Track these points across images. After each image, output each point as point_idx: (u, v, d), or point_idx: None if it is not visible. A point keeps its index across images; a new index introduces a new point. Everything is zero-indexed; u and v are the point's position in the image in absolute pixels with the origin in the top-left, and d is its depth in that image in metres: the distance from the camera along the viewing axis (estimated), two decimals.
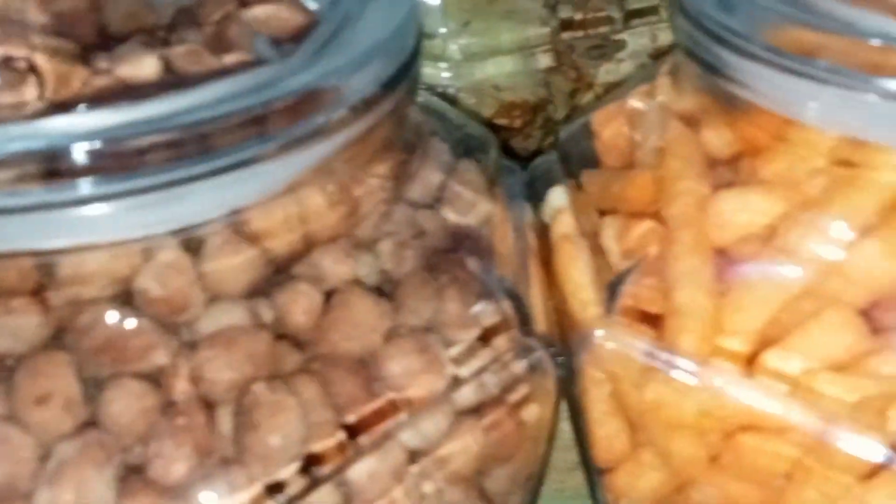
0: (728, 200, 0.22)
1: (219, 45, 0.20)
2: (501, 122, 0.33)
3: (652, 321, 0.22)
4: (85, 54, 0.21)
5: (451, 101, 0.32)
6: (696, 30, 0.22)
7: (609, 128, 0.27)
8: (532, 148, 0.35)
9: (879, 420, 0.19)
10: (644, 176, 0.25)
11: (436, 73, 0.32)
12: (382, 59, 0.21)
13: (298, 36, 0.21)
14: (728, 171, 0.23)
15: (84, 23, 0.22)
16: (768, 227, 0.21)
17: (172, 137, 0.18)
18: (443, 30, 0.33)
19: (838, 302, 0.20)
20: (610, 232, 0.25)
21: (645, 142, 0.26)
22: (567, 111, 0.34)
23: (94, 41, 0.21)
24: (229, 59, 0.20)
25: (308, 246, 0.21)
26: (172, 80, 0.20)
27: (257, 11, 0.21)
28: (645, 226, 0.23)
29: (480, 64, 0.32)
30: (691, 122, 0.24)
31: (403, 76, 0.22)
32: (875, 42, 0.19)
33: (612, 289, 0.23)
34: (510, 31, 0.33)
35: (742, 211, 0.22)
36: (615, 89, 0.31)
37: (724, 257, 0.22)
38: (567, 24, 0.34)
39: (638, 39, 0.34)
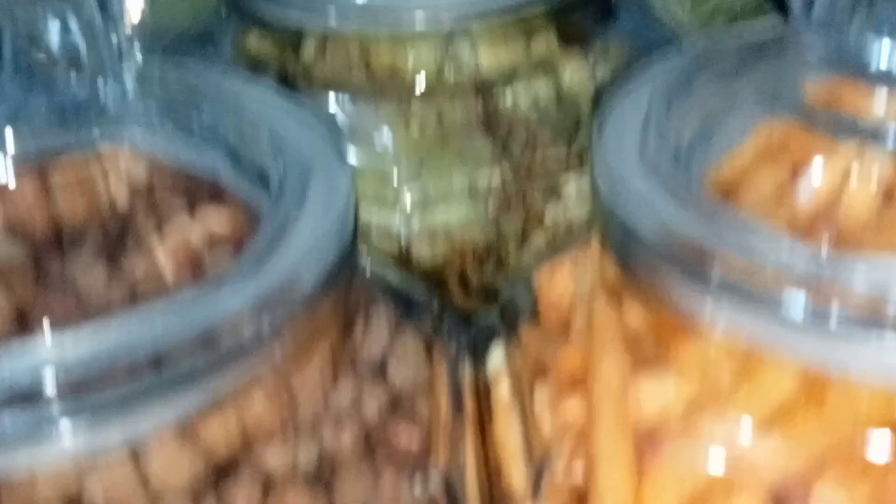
0: (645, 384, 0.23)
1: (166, 259, 0.22)
2: (454, 264, 0.35)
3: (579, 499, 0.24)
4: (37, 260, 0.22)
5: (405, 247, 0.34)
6: (608, 218, 0.24)
7: (549, 285, 0.28)
8: (486, 280, 0.36)
9: None
10: (573, 348, 0.26)
11: (389, 219, 0.34)
12: (320, 263, 0.22)
13: (241, 241, 0.23)
14: (650, 348, 0.25)
15: (35, 219, 0.23)
16: (684, 412, 0.23)
17: (129, 360, 0.19)
18: (395, 174, 0.34)
19: (747, 489, 0.22)
20: (543, 398, 0.26)
21: (579, 306, 0.27)
22: (518, 247, 0.35)
23: (46, 239, 0.23)
24: (175, 275, 0.21)
25: (249, 441, 0.22)
26: (125, 298, 0.21)
27: (201, 218, 0.22)
28: (572, 403, 0.25)
29: (433, 210, 0.34)
30: (616, 293, 0.26)
31: (341, 276, 0.23)
32: (768, 263, 0.20)
33: (538, 467, 0.24)
34: (462, 175, 0.34)
35: (658, 395, 0.23)
36: (560, 243, 0.32)
37: (644, 439, 0.23)
38: (517, 165, 0.35)
39: (587, 177, 0.36)
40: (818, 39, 0.22)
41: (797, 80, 0.23)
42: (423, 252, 0.34)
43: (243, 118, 0.25)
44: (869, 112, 0.22)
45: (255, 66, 0.37)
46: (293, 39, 0.35)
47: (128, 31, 0.22)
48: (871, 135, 0.22)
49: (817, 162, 0.22)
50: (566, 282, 0.28)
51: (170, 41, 0.40)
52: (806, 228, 0.22)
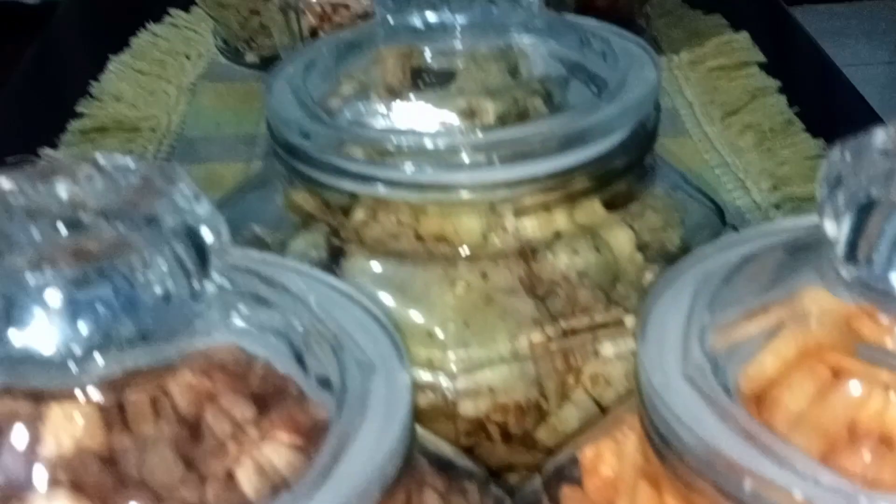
0: None
1: (238, 468, 0.23)
2: (496, 418, 0.36)
3: None
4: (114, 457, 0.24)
5: (450, 404, 0.36)
6: (649, 421, 0.26)
7: (593, 464, 0.30)
8: (527, 430, 0.38)
9: None
10: None
11: (435, 379, 0.35)
12: (385, 472, 0.24)
13: (308, 443, 0.24)
14: None
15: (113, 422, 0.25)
16: None
17: None
18: (441, 336, 0.36)
19: None
20: None
21: (623, 487, 0.29)
22: (558, 402, 0.37)
23: (123, 437, 0.25)
24: (247, 481, 0.23)
25: None
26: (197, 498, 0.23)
27: (270, 432, 0.24)
28: None
29: (478, 371, 0.36)
30: (656, 479, 0.27)
31: (403, 475, 0.25)
32: (798, 493, 0.22)
33: None
34: (506, 336, 0.36)
35: None
36: (603, 418, 0.34)
37: None
38: (558, 324, 0.37)
39: (625, 337, 0.37)
40: (848, 267, 0.24)
41: (827, 300, 0.25)
42: (468, 408, 0.36)
43: (308, 317, 0.27)
44: (893, 342, 0.23)
45: (306, 220, 0.39)
46: (343, 202, 0.37)
47: (213, 255, 0.23)
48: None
49: (851, 382, 0.24)
50: (611, 460, 0.29)
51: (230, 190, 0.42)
52: (838, 443, 0.24)
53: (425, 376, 0.35)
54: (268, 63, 0.74)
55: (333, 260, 0.37)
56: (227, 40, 0.78)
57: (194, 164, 0.67)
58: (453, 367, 0.35)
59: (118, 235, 0.23)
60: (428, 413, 0.36)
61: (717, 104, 0.70)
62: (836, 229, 0.24)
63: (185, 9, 0.84)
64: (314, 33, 0.60)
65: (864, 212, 0.23)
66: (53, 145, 0.67)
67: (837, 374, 0.25)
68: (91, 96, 0.73)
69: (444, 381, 0.35)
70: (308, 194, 0.38)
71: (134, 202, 0.24)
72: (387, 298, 0.36)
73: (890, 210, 0.23)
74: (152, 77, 0.76)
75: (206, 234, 0.23)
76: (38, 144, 0.66)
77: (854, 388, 0.24)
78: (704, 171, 0.64)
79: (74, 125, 0.69)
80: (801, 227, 0.29)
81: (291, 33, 0.63)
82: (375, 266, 0.36)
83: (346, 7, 0.59)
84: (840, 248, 0.24)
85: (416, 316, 0.36)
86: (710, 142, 0.67)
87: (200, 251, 0.23)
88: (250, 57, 0.77)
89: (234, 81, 0.76)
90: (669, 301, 0.28)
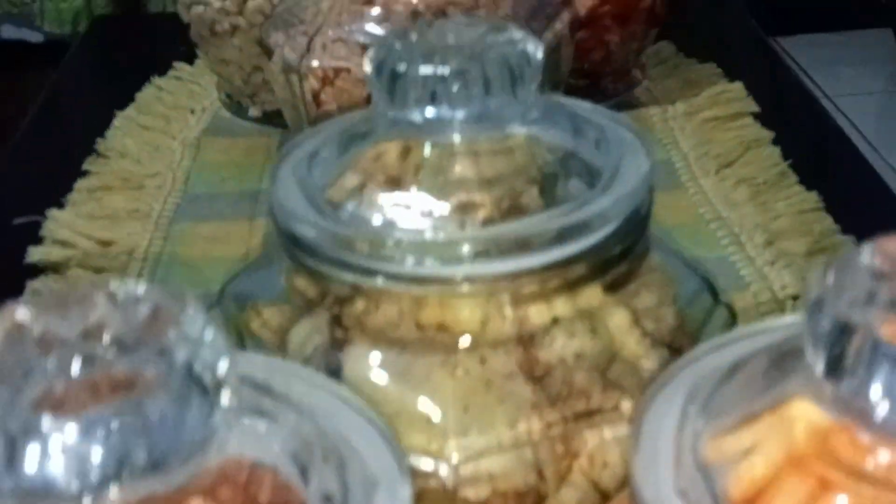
0: None
1: None
2: (496, 502, 0.37)
3: None
4: None
5: (451, 490, 0.37)
6: None
7: None
8: None
9: None
10: None
11: (436, 469, 0.36)
12: None
13: None
14: None
15: None
16: None
17: None
18: (441, 423, 0.37)
19: None
20: None
21: None
22: (557, 485, 0.38)
23: None
24: None
25: None
26: None
27: None
28: None
29: (479, 459, 0.36)
30: None
31: None
32: None
33: None
34: (505, 421, 0.37)
35: None
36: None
37: None
38: (557, 408, 0.38)
39: (621, 423, 0.38)
40: (827, 386, 0.25)
41: (812, 412, 0.26)
42: (468, 494, 0.37)
43: (312, 431, 0.28)
44: (872, 461, 0.24)
45: (308, 304, 0.40)
46: (345, 292, 0.38)
47: (221, 382, 0.25)
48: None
49: (838, 495, 0.25)
50: None
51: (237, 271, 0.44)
52: None
53: (426, 464, 0.36)
54: (271, 118, 0.75)
55: (335, 346, 0.38)
56: (230, 94, 0.79)
57: (200, 221, 0.68)
58: (454, 456, 0.36)
59: (131, 368, 0.24)
60: (427, 497, 0.37)
61: (711, 156, 0.71)
62: (816, 352, 0.25)
63: (190, 62, 0.85)
64: (316, 97, 0.61)
65: (843, 335, 0.24)
66: (60, 205, 0.68)
67: (824, 486, 0.26)
68: (97, 153, 0.74)
69: (443, 470, 0.36)
70: (310, 282, 0.39)
71: (146, 330, 0.25)
72: (388, 385, 0.37)
73: (868, 335, 0.24)
74: (157, 132, 0.77)
75: (218, 366, 0.24)
76: (44, 205, 0.67)
77: (841, 501, 0.25)
78: (699, 225, 0.65)
79: (81, 183, 0.71)
80: (790, 326, 0.30)
81: (293, 94, 0.64)
82: (376, 354, 0.37)
83: (348, 71, 0.60)
84: (819, 369, 0.25)
85: (416, 403, 0.37)
86: (704, 195, 0.68)
87: (210, 381, 0.24)
88: (254, 111, 0.78)
89: (238, 136, 0.77)
90: (662, 407, 0.29)
